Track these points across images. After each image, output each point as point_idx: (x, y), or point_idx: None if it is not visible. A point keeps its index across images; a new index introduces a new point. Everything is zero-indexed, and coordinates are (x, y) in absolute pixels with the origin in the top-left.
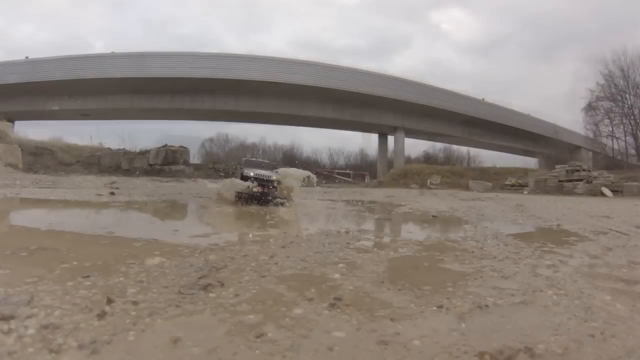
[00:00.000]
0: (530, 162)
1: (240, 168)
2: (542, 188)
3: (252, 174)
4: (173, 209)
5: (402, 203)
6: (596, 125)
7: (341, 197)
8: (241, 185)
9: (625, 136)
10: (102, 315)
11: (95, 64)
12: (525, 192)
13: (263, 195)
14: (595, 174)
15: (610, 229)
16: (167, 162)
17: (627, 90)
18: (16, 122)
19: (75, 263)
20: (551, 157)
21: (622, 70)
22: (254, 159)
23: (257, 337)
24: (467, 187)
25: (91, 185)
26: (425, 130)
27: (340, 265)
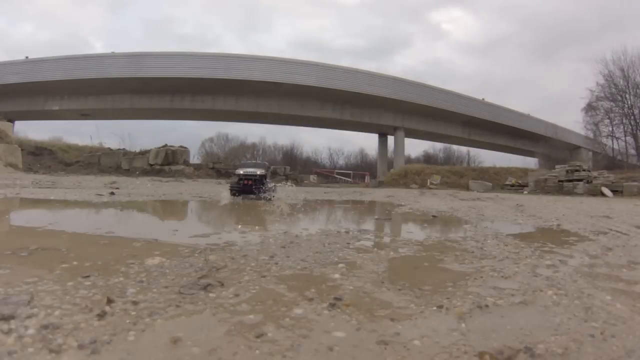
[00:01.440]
0: (530, 162)
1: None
2: (542, 188)
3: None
4: (173, 209)
5: (402, 203)
6: (596, 125)
7: (341, 197)
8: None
9: (625, 136)
10: (102, 315)
11: (95, 64)
12: (525, 192)
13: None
14: (595, 174)
15: (610, 229)
16: (167, 162)
17: (627, 90)
18: (16, 122)
19: (75, 263)
20: (551, 157)
21: (622, 70)
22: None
23: (257, 337)
24: (467, 187)
25: (91, 185)
26: (425, 130)
27: (340, 265)
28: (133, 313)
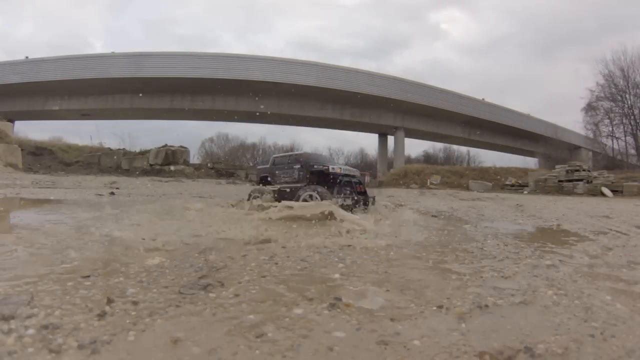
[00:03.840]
0: (530, 162)
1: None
2: (542, 188)
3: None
4: (173, 208)
5: (402, 203)
6: (596, 125)
7: None
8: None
9: (625, 136)
10: (102, 315)
11: (95, 64)
12: (525, 192)
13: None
14: (595, 174)
15: (610, 229)
16: (167, 162)
17: (627, 90)
18: (16, 122)
19: (75, 263)
20: (551, 157)
21: (622, 70)
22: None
23: (257, 337)
24: (467, 187)
25: (91, 185)
26: (425, 130)
27: (340, 265)
28: (133, 313)
